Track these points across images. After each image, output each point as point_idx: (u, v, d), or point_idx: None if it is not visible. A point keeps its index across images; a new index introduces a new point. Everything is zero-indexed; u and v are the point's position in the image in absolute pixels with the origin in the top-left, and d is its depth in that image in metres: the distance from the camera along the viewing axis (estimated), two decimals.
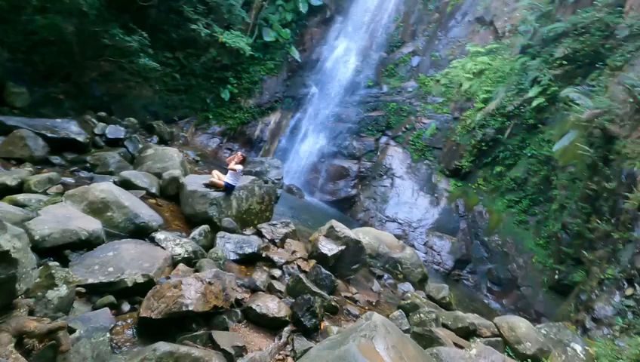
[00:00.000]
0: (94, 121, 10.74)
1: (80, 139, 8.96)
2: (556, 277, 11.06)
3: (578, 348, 6.68)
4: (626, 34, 12.12)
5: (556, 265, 11.24)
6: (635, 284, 7.63)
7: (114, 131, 10.54)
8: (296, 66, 18.53)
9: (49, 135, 8.40)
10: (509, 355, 6.20)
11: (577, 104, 11.25)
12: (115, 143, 10.26)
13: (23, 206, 5.58)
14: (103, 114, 11.72)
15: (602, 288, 8.43)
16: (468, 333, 6.75)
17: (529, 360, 6.28)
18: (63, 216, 5.27)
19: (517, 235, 13.11)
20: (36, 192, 6.24)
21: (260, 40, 17.44)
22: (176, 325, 4.32)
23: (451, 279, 13.50)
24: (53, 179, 6.80)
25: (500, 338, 6.69)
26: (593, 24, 12.90)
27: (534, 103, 13.86)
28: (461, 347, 5.68)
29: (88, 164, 8.51)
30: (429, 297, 8.41)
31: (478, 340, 6.49)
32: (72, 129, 9.03)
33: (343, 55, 18.79)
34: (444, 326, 6.76)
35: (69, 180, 7.29)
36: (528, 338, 6.54)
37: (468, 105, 16.16)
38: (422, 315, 6.54)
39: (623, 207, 8.86)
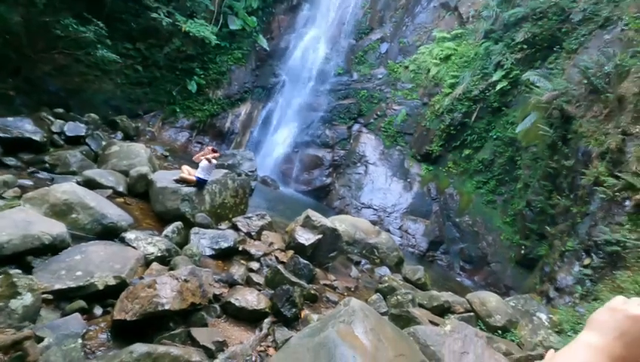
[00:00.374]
0: (51, 118, 10.10)
1: (36, 138, 8.41)
2: (522, 252, 11.70)
3: (543, 316, 7.14)
4: (579, 18, 12.74)
5: (522, 240, 11.88)
6: (592, 254, 8.20)
7: (74, 128, 9.97)
8: (265, 55, 18.16)
9: (0, 135, 7.83)
10: (480, 328, 6.53)
11: (537, 87, 11.78)
12: (75, 141, 9.71)
13: None
14: (60, 110, 11.03)
15: (563, 260, 9.01)
16: (443, 311, 7.05)
17: (499, 331, 6.66)
18: (22, 221, 4.96)
19: (486, 215, 13.70)
20: None
21: (226, 29, 16.89)
22: (153, 325, 4.22)
23: (426, 260, 13.98)
24: (9, 182, 6.37)
25: (472, 314, 7.04)
26: (550, 9, 13.44)
27: (498, 87, 14.37)
28: (437, 324, 5.92)
29: (47, 165, 8.02)
30: (406, 279, 8.67)
31: (453, 317, 6.80)
32: (26, 127, 8.45)
33: (312, 43, 18.59)
34: (421, 305, 7.02)
35: (27, 182, 6.86)
36: (498, 311, 6.92)
37: (436, 90, 16.52)
38: (399, 297, 6.75)
39: (580, 183, 9.45)
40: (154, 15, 13.91)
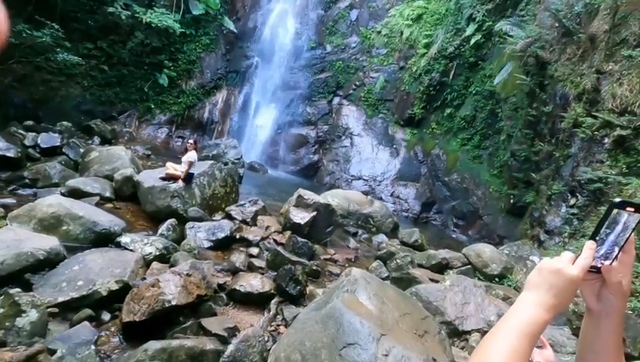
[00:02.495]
0: (22, 132, 9.75)
1: (10, 154, 8.14)
2: (511, 201, 12.05)
3: (536, 259, 7.47)
4: None
5: (510, 190, 12.21)
6: (577, 194, 8.51)
7: (48, 139, 9.66)
8: (233, 38, 17.57)
9: None
10: (479, 279, 6.82)
11: (511, 36, 11.74)
12: (52, 152, 9.44)
13: None
14: (30, 123, 10.63)
15: (550, 203, 9.34)
16: (441, 268, 7.31)
17: (496, 279, 6.96)
18: (12, 240, 4.88)
19: (473, 170, 13.97)
20: None
21: (189, 15, 16.16)
22: (163, 322, 4.29)
23: (420, 222, 14.31)
24: None
25: (469, 266, 7.33)
26: None
27: (472, 41, 14.28)
28: (437, 281, 6.16)
29: (27, 180, 7.80)
30: (403, 243, 8.91)
31: (451, 272, 7.07)
32: None
33: (280, 19, 18.02)
34: (420, 266, 7.26)
35: (10, 201, 6.69)
36: (493, 261, 7.21)
37: (411, 52, 16.35)
38: (398, 261, 6.95)
39: (560, 127, 9.65)
40: (110, 9, 13.22)
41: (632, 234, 0.79)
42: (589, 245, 0.80)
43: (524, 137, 11.61)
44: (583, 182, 8.34)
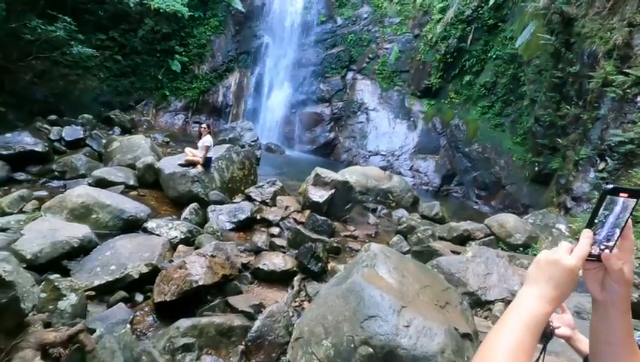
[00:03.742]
0: (47, 126, 10.10)
1: (38, 149, 8.49)
2: (536, 169, 11.65)
3: (562, 227, 7.28)
4: None
5: (535, 158, 11.78)
6: (606, 158, 8.12)
7: (71, 132, 9.99)
8: (242, 18, 17.27)
9: (3, 152, 7.91)
10: (502, 249, 6.73)
11: None
12: (76, 145, 9.78)
13: (3, 230, 5.43)
14: (53, 117, 10.98)
15: (578, 169, 8.97)
16: (463, 240, 7.24)
17: (520, 248, 6.84)
18: (48, 230, 5.17)
19: (495, 139, 13.52)
20: (11, 213, 6.04)
21: None
22: (192, 302, 4.50)
23: (441, 195, 14.11)
24: (25, 196, 6.55)
25: (492, 237, 7.22)
26: None
27: (491, 1, 13.48)
28: (458, 253, 6.12)
29: (57, 173, 8.16)
30: (423, 216, 8.85)
31: (473, 243, 6.99)
32: (26, 141, 8.51)
33: None
34: (441, 238, 7.22)
35: (43, 193, 7.04)
36: (517, 230, 7.07)
37: (426, 19, 15.63)
38: (419, 234, 6.93)
39: (589, 88, 9.12)
40: None
41: (629, 219, 0.77)
42: (585, 233, 0.78)
43: (548, 101, 11.06)
44: (612, 144, 7.94)
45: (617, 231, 0.77)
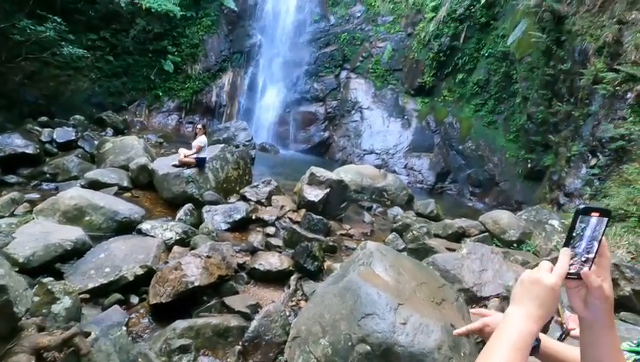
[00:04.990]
0: (37, 128, 9.96)
1: (29, 151, 8.38)
2: (529, 165, 11.76)
3: (555, 223, 7.35)
4: None
5: (528, 154, 11.89)
6: (598, 154, 8.22)
7: (63, 134, 9.87)
8: (235, 17, 17.19)
9: None
10: (496, 246, 6.78)
11: None
12: (68, 146, 9.66)
13: None
14: (44, 119, 10.85)
15: (570, 165, 9.07)
16: (458, 237, 7.28)
17: (514, 244, 6.90)
18: (40, 233, 5.10)
19: (488, 136, 13.62)
20: (3, 216, 5.94)
21: None
22: (188, 302, 4.47)
23: (436, 193, 14.19)
24: (17, 199, 6.45)
25: (487, 234, 7.26)
26: None
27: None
28: (453, 250, 6.16)
29: (48, 175, 8.06)
30: (418, 214, 8.88)
31: (468, 240, 7.03)
32: (16, 143, 8.39)
33: None
34: (436, 236, 7.25)
35: (34, 196, 6.95)
36: (511, 227, 7.13)
37: (419, 17, 15.68)
38: (414, 232, 6.96)
39: (580, 85, 9.22)
40: None
41: (603, 237, 0.80)
42: (564, 252, 0.81)
43: (540, 98, 11.16)
44: (604, 140, 8.03)
45: (595, 243, 0.80)
